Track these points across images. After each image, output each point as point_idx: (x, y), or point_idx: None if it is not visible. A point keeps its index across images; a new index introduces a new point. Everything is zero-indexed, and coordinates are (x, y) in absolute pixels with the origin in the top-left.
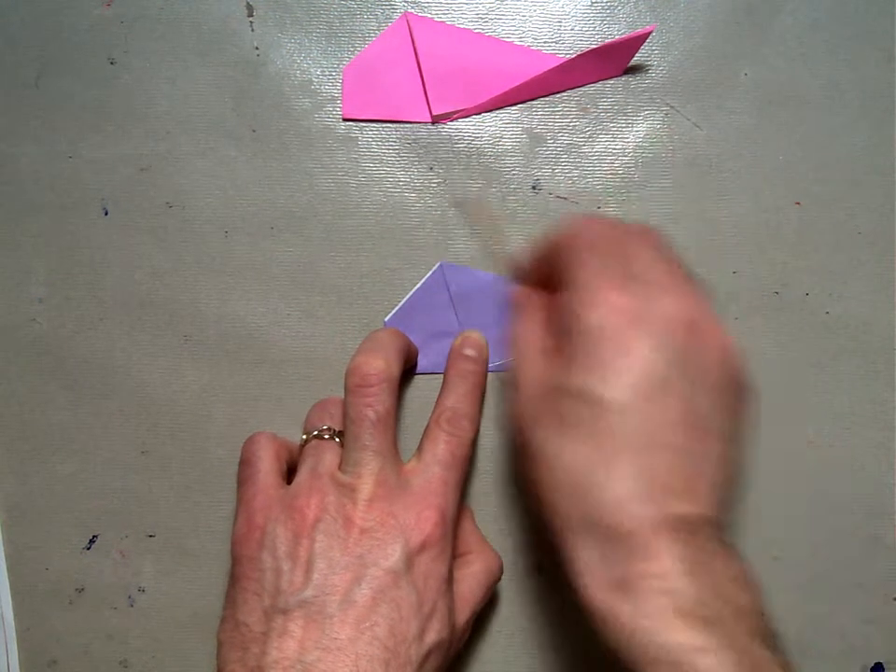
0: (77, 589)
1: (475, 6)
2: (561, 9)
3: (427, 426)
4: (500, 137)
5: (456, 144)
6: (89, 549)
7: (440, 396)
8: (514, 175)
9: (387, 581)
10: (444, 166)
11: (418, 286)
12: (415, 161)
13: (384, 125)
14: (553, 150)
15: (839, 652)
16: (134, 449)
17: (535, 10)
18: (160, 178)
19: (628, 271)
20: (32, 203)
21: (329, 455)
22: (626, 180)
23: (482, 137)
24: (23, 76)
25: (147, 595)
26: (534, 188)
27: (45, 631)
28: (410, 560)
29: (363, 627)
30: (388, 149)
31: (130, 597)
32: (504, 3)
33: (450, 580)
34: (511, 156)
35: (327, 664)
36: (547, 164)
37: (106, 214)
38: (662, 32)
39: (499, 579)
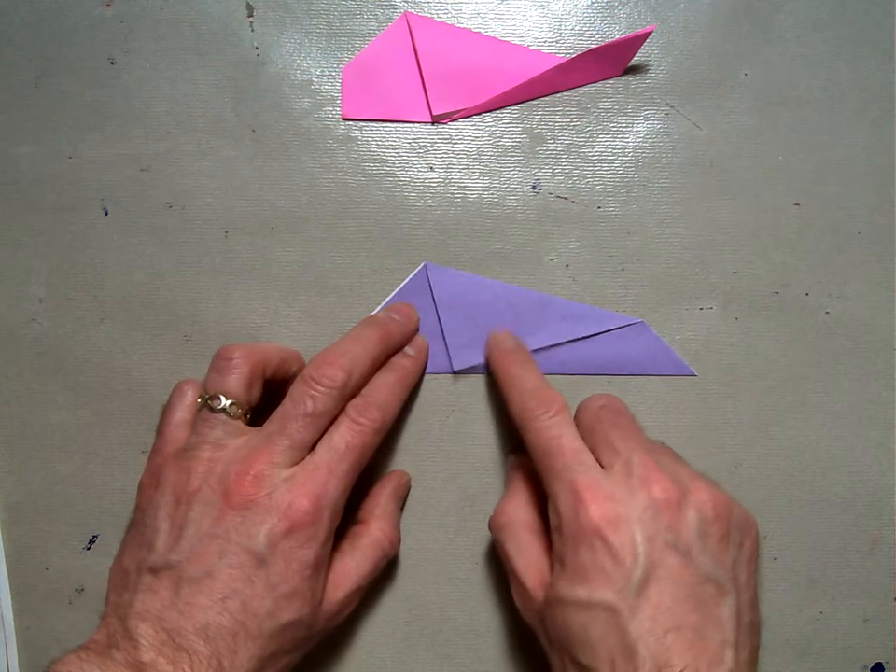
0: (76, 589)
1: (475, 6)
2: (561, 9)
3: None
4: (500, 137)
5: (456, 144)
6: (89, 549)
7: None
8: (514, 174)
9: (246, 560)
10: (444, 166)
11: (401, 285)
12: (415, 160)
13: (384, 125)
14: (553, 150)
15: (839, 652)
16: (134, 449)
17: (535, 10)
18: (160, 178)
19: (606, 460)
20: (32, 203)
21: (218, 431)
22: (626, 180)
23: (482, 137)
24: (23, 76)
25: None
26: (534, 188)
27: (45, 631)
28: (273, 543)
29: (216, 598)
30: (388, 149)
31: None
32: (504, 3)
33: (318, 563)
34: (510, 156)
35: (180, 622)
36: (547, 164)
37: (106, 214)
38: (662, 31)
39: (390, 555)
